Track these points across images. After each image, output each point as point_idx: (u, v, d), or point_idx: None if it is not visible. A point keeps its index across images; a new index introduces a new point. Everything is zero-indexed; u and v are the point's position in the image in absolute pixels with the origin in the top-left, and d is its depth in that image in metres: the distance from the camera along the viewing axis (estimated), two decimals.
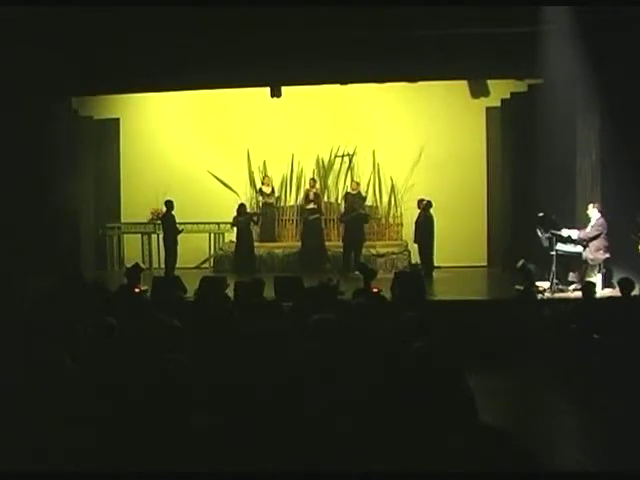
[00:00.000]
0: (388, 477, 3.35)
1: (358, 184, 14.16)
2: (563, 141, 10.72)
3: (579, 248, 9.60)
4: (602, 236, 9.57)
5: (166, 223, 13.15)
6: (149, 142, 14.82)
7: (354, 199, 13.93)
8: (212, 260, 14.46)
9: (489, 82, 13.17)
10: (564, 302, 8.91)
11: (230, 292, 8.56)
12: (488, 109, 14.25)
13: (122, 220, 14.86)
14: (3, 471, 3.23)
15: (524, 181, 12.39)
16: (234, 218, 13.57)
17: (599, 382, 6.98)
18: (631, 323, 7.29)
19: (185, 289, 9.26)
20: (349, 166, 14.80)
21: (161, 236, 13.70)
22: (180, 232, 13.21)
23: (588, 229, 9.72)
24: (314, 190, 14.22)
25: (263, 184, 14.60)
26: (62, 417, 3.30)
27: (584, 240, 9.59)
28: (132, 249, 14.59)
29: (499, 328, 8.16)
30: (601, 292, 9.26)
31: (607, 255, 9.55)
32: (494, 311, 8.80)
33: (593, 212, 9.73)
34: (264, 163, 14.88)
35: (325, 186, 14.82)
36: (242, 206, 13.73)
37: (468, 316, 8.59)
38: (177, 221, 13.19)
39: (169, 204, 13.10)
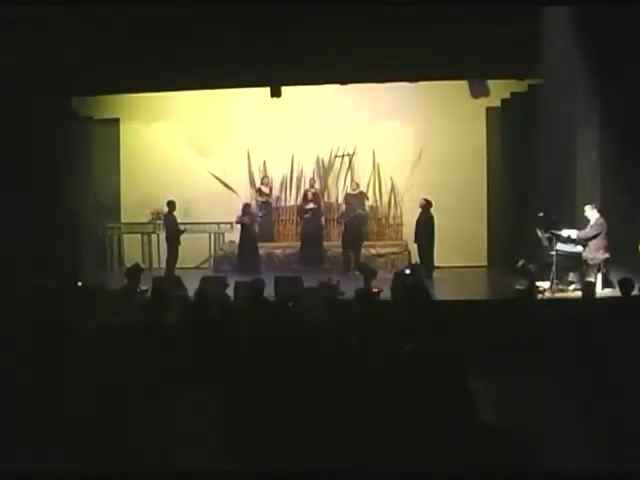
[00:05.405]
0: (388, 477, 3.46)
1: (358, 184, 14.21)
2: (563, 141, 10.72)
3: (579, 248, 9.61)
4: (602, 236, 9.59)
5: (167, 223, 13.18)
6: (149, 142, 14.86)
7: (354, 200, 13.99)
8: (212, 260, 14.47)
9: (489, 82, 13.21)
10: (564, 302, 8.93)
11: (230, 292, 8.60)
12: (488, 109, 14.23)
13: (122, 220, 14.90)
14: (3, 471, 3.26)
15: (524, 181, 12.43)
16: (239, 217, 13.59)
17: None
18: (631, 324, 7.30)
19: (185, 289, 9.27)
20: (349, 166, 14.82)
21: (161, 236, 13.81)
22: (183, 232, 13.22)
23: (587, 229, 9.73)
24: (313, 190, 14.26)
25: (262, 184, 14.65)
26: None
27: (583, 240, 9.60)
28: (132, 249, 14.66)
29: (499, 328, 8.15)
30: (601, 292, 9.27)
31: (607, 255, 9.57)
32: (494, 311, 8.79)
33: (592, 213, 9.75)
34: (264, 163, 14.90)
35: (325, 186, 14.84)
36: (247, 206, 13.75)
37: (468, 316, 8.58)
38: (178, 221, 13.22)
39: (171, 204, 13.13)
